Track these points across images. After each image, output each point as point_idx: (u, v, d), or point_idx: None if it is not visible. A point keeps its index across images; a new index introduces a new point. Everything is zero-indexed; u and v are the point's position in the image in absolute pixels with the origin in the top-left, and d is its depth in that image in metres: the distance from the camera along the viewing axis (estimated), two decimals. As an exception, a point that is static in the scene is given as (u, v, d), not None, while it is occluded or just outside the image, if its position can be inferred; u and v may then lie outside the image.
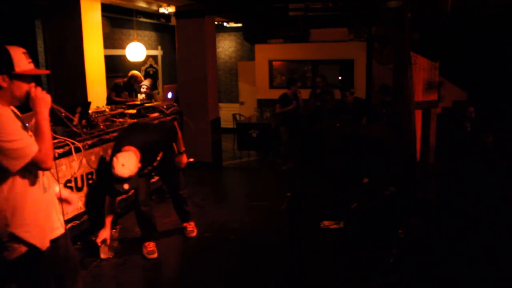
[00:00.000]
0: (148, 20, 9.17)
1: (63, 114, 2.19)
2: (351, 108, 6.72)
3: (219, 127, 7.51)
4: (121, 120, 4.77)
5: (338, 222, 4.52)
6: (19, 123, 2.01)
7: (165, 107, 5.32)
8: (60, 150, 3.64)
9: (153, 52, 9.84)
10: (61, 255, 2.24)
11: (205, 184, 6.15)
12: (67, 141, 3.72)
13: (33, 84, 2.05)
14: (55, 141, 3.67)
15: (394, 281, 3.41)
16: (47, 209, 2.16)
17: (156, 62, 10.05)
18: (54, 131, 3.73)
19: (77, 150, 3.78)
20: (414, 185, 5.07)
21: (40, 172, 2.12)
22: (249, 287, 3.44)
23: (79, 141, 3.82)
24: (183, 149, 4.11)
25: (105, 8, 6.59)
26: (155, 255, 3.85)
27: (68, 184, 3.75)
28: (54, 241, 2.18)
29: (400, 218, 4.25)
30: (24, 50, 2.03)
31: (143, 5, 7.29)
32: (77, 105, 4.20)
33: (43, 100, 2.04)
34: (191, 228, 4.37)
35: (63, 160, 3.68)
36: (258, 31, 9.64)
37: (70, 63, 5.72)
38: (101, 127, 4.33)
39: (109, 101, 7.27)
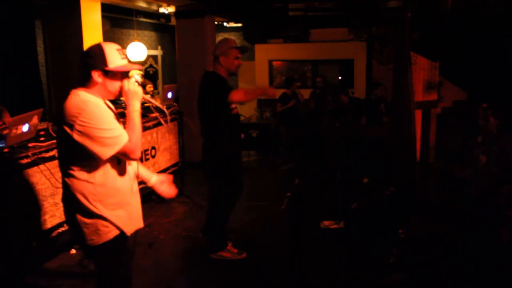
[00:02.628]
0: (148, 20, 9.17)
1: (154, 105, 2.28)
2: (350, 108, 6.72)
3: (219, 127, 7.50)
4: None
5: (338, 222, 4.51)
6: (112, 114, 2.11)
7: (165, 107, 5.31)
8: (60, 150, 3.64)
9: (153, 52, 9.84)
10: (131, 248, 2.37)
11: (205, 184, 6.15)
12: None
13: (126, 78, 2.14)
14: (55, 141, 3.67)
15: (395, 281, 3.41)
16: (133, 199, 2.26)
17: (156, 62, 10.05)
18: (54, 131, 3.74)
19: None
20: (414, 185, 5.07)
21: (128, 163, 2.23)
22: (249, 287, 3.44)
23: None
24: None
25: (105, 8, 6.59)
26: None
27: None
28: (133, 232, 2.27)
29: (400, 218, 4.25)
30: (118, 47, 2.12)
31: (143, 5, 7.29)
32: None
33: (135, 93, 2.13)
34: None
35: (63, 160, 3.68)
36: (258, 31, 9.65)
37: (70, 63, 5.72)
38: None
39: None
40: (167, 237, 4.30)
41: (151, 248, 4.03)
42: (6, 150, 3.25)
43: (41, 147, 3.49)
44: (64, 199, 2.16)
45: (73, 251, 3.85)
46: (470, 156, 5.55)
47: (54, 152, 3.57)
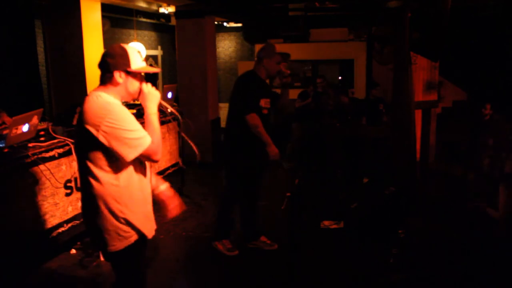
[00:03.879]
0: (148, 20, 9.17)
1: (169, 111, 2.30)
2: (350, 108, 6.72)
3: (219, 127, 7.52)
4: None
5: (338, 222, 4.51)
6: (133, 116, 2.10)
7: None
8: (60, 150, 3.64)
9: (153, 52, 9.84)
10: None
11: (205, 183, 6.15)
12: (67, 141, 3.71)
13: (144, 82, 2.18)
14: (55, 140, 3.67)
15: (395, 281, 3.41)
16: (151, 202, 2.27)
17: (156, 62, 10.05)
18: (54, 131, 3.75)
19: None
20: (414, 185, 5.07)
21: (148, 165, 2.24)
22: (250, 287, 3.44)
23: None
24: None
25: (105, 8, 6.59)
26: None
27: (68, 184, 3.75)
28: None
29: (400, 218, 4.25)
30: (138, 50, 2.15)
31: (143, 5, 7.29)
32: (77, 105, 4.19)
33: (154, 96, 2.15)
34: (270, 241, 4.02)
35: (63, 160, 3.68)
36: (258, 31, 9.64)
37: (70, 63, 5.72)
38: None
39: None
40: (167, 237, 4.30)
41: (151, 248, 4.03)
42: (6, 150, 3.25)
43: (41, 147, 3.49)
44: (85, 203, 2.13)
45: (73, 251, 3.85)
46: (474, 157, 5.50)
47: (54, 152, 3.58)
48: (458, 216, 4.67)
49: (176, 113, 2.36)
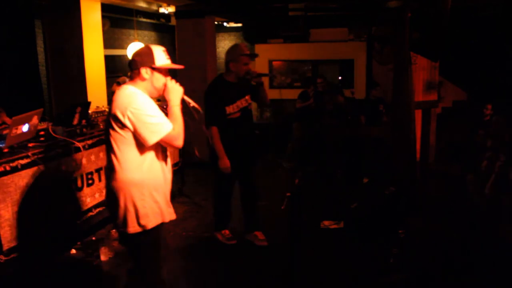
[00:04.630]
0: (148, 20, 9.17)
1: (191, 105, 2.49)
2: (349, 108, 6.72)
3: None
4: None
5: (338, 222, 4.52)
6: (156, 105, 2.34)
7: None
8: (60, 150, 3.64)
9: (153, 52, 9.83)
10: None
11: (205, 183, 6.14)
12: (67, 141, 3.71)
13: (169, 77, 2.41)
14: (55, 141, 3.67)
15: (395, 280, 3.41)
16: (170, 189, 2.51)
17: (156, 62, 10.04)
18: (54, 131, 3.75)
19: (77, 150, 3.78)
20: (414, 185, 5.08)
21: (169, 154, 2.49)
22: (249, 287, 3.44)
23: (79, 141, 3.82)
24: None
25: (105, 8, 6.59)
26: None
27: (68, 184, 3.75)
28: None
29: (400, 218, 4.25)
30: (164, 48, 2.40)
31: (143, 5, 7.29)
32: (77, 105, 4.20)
33: (177, 90, 2.40)
34: (263, 237, 4.12)
35: (63, 160, 3.68)
36: (258, 31, 9.64)
37: (70, 63, 5.72)
38: (101, 127, 4.33)
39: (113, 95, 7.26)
40: (167, 237, 4.30)
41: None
42: (6, 150, 3.25)
43: (41, 147, 3.49)
44: (109, 188, 2.34)
45: (73, 251, 3.86)
46: (473, 158, 5.52)
47: (54, 152, 3.58)
48: (458, 216, 4.67)
49: (198, 107, 2.53)
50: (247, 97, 3.82)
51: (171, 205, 2.52)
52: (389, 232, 3.87)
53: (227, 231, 4.16)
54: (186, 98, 2.45)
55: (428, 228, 4.36)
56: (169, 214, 2.50)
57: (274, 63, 9.30)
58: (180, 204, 5.23)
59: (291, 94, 7.89)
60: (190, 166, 5.93)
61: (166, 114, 2.37)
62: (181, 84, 2.42)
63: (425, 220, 4.54)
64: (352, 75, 8.81)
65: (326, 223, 4.52)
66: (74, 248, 3.88)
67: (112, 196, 2.32)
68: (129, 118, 2.20)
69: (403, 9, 4.77)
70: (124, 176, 2.27)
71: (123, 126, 2.23)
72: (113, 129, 2.26)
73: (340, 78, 8.99)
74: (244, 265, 3.74)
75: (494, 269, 3.54)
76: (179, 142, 2.34)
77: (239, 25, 10.64)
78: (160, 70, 2.35)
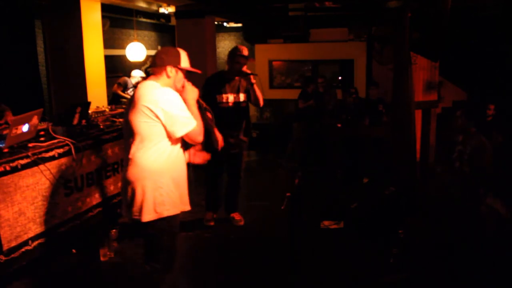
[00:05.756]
0: (148, 20, 9.17)
1: (204, 106, 2.68)
2: (351, 108, 6.72)
3: (219, 127, 7.50)
4: (121, 120, 4.77)
5: (338, 222, 4.51)
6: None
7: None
8: (60, 150, 3.64)
9: (153, 52, 9.81)
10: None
11: (205, 183, 6.15)
12: (66, 141, 3.71)
13: (187, 79, 2.62)
14: (55, 141, 3.67)
15: (395, 280, 3.41)
16: (186, 182, 2.71)
17: (156, 62, 10.04)
18: (54, 131, 3.75)
19: (77, 150, 3.78)
20: (414, 185, 5.07)
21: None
22: (249, 287, 3.44)
23: (79, 141, 3.82)
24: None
25: (105, 8, 6.59)
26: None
27: (68, 184, 3.75)
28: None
29: (400, 218, 4.25)
30: (185, 52, 2.63)
31: (143, 5, 7.29)
32: (77, 105, 4.20)
33: (193, 92, 2.61)
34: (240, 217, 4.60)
35: (63, 160, 3.68)
36: (258, 31, 9.64)
37: (70, 63, 5.72)
38: (101, 127, 4.33)
39: (114, 96, 7.28)
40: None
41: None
42: (6, 150, 3.25)
43: (41, 147, 3.49)
44: (128, 175, 2.46)
45: (73, 251, 3.85)
46: (447, 153, 5.63)
47: (54, 152, 3.58)
48: (458, 216, 4.67)
49: (208, 108, 2.74)
50: (241, 94, 4.22)
51: (186, 196, 2.70)
52: (389, 232, 3.88)
53: (210, 213, 4.56)
54: (200, 100, 2.65)
55: (428, 228, 4.36)
56: (185, 205, 2.67)
57: (274, 63, 9.30)
58: (180, 204, 5.23)
59: (291, 94, 7.89)
60: (190, 166, 5.93)
61: None
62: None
63: (425, 220, 4.54)
64: (352, 75, 8.81)
65: (326, 223, 4.52)
66: (74, 248, 3.87)
67: (129, 184, 2.45)
68: (162, 111, 2.36)
69: (403, 9, 4.77)
70: (145, 164, 2.41)
71: (152, 118, 2.37)
72: (140, 120, 2.38)
73: (340, 78, 8.99)
74: (244, 265, 3.74)
75: (494, 269, 3.54)
76: (200, 137, 2.54)
77: (239, 25, 10.64)
78: (182, 71, 2.56)
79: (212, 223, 4.52)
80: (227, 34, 11.25)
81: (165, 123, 2.39)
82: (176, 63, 2.53)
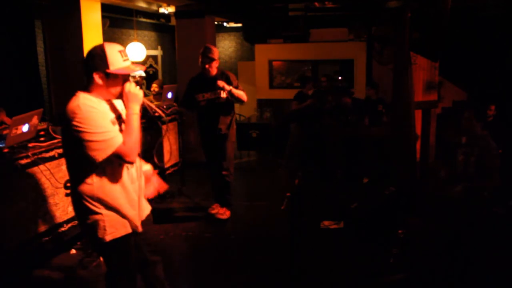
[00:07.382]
0: (148, 20, 9.17)
1: (153, 110, 2.28)
2: (351, 108, 6.71)
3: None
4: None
5: (338, 222, 4.52)
6: (110, 116, 2.11)
7: (165, 107, 5.32)
8: (60, 150, 3.64)
9: (153, 52, 9.84)
10: (143, 235, 2.37)
11: (205, 184, 6.15)
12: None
13: (128, 81, 2.15)
14: (55, 141, 3.67)
15: (395, 280, 3.41)
16: (135, 197, 2.25)
17: (156, 62, 10.05)
18: (54, 131, 3.75)
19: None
20: (414, 185, 5.07)
21: (138, 159, 2.27)
22: (249, 287, 3.44)
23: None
24: None
25: (105, 8, 6.58)
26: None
27: (68, 184, 3.74)
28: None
29: (400, 218, 4.25)
30: (121, 48, 2.12)
31: (143, 5, 7.29)
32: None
33: (136, 96, 2.13)
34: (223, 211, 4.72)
35: (63, 160, 3.67)
36: (258, 31, 9.63)
37: (70, 63, 5.71)
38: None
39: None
40: (167, 237, 4.30)
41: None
42: (6, 150, 3.25)
43: (41, 147, 3.49)
44: (72, 200, 2.21)
45: (73, 251, 3.85)
46: (450, 156, 5.62)
47: (54, 152, 3.58)
48: (458, 216, 4.67)
49: (161, 113, 2.34)
50: (218, 92, 4.39)
51: (136, 215, 2.26)
52: (389, 232, 3.88)
53: (215, 204, 4.77)
54: (147, 103, 2.23)
55: (428, 228, 4.36)
56: (133, 225, 2.24)
57: (274, 63, 9.30)
58: (180, 204, 5.24)
59: (291, 94, 7.89)
60: (190, 167, 5.94)
61: (143, 117, 2.23)
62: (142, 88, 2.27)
63: (425, 220, 4.54)
64: (352, 75, 8.80)
65: (326, 223, 4.52)
66: (74, 248, 3.87)
67: (75, 209, 2.21)
68: (72, 135, 2.00)
69: (403, 9, 4.77)
70: (80, 188, 2.10)
71: (68, 138, 2.06)
72: (65, 140, 2.15)
73: (340, 78, 8.98)
74: (244, 265, 3.74)
75: (494, 269, 3.54)
76: (131, 157, 2.09)
77: (239, 25, 10.63)
78: (116, 75, 2.08)
79: (214, 211, 4.69)
80: (227, 34, 11.24)
81: (80, 149, 2.00)
82: (103, 67, 2.05)
